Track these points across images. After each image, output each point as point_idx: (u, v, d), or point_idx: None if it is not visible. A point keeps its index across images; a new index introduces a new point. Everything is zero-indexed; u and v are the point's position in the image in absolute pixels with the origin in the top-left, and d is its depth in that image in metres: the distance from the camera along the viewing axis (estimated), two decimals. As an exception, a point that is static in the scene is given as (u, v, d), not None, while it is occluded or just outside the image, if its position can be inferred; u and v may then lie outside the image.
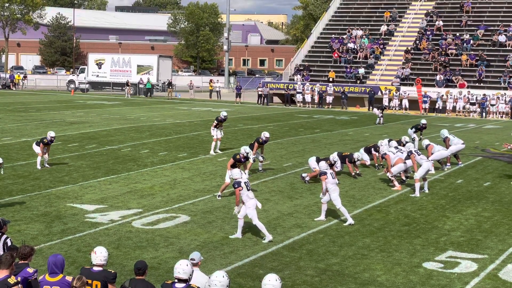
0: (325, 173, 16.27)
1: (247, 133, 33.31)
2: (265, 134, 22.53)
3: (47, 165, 22.39)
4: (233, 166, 18.63)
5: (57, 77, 77.43)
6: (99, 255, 8.96)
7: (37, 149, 22.33)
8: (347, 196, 19.11)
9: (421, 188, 19.86)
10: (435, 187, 20.81)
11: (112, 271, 8.91)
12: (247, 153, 19.46)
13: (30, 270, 8.69)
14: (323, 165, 17.03)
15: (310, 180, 20.88)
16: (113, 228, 15.06)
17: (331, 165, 20.63)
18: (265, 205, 17.73)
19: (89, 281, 8.71)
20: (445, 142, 24.66)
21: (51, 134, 22.61)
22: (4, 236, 10.26)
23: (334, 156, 21.16)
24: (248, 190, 14.61)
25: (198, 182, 20.70)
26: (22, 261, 8.93)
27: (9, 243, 10.07)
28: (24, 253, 8.98)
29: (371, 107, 51.17)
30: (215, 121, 26.44)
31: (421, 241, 14.72)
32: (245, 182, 14.71)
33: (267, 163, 23.75)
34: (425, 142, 23.44)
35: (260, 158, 22.54)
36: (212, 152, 26.12)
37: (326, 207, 16.48)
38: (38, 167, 22.08)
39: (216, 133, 26.28)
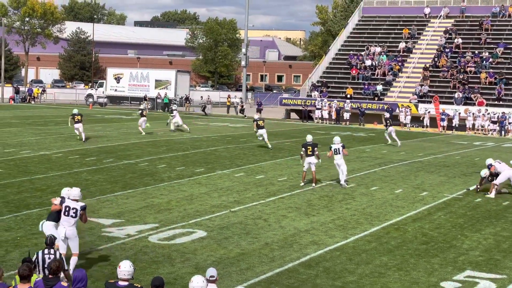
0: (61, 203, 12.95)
1: (264, 149, 33.27)
2: (307, 138, 23.82)
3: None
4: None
5: (75, 91, 77.97)
6: (123, 269, 8.93)
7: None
8: (364, 214, 19.02)
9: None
10: (453, 206, 20.65)
11: (139, 286, 8.85)
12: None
13: (64, 283, 8.72)
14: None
15: None
16: (129, 243, 15.05)
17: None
18: (281, 221, 17.68)
19: None
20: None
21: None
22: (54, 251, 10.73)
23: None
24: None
25: (215, 197, 20.67)
26: (53, 276, 8.96)
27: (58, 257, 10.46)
28: (54, 268, 9.01)
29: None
30: None
31: (439, 260, 14.58)
32: None
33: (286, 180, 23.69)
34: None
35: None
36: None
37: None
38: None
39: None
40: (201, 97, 66.53)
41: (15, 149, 30.15)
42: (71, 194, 12.95)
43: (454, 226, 17.90)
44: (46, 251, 10.67)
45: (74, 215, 12.70)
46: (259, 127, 33.50)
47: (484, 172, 22.89)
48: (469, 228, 17.81)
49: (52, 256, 10.53)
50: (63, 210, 12.73)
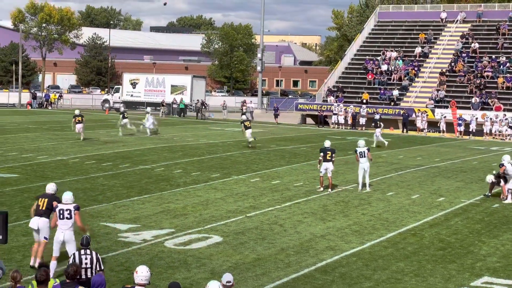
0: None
1: (279, 154, 33.25)
2: (325, 143, 23.81)
3: None
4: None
5: (92, 97, 78.33)
6: (140, 274, 8.96)
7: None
8: (380, 219, 18.93)
9: None
10: (470, 211, 20.52)
11: None
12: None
13: None
14: None
15: None
16: (145, 248, 15.07)
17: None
18: (297, 227, 17.65)
19: None
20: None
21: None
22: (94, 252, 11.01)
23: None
24: None
25: (230, 202, 20.67)
26: (70, 280, 9.01)
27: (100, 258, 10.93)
28: (71, 273, 9.05)
29: (405, 129, 50.90)
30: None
31: (456, 266, 14.48)
32: None
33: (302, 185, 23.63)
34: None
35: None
36: None
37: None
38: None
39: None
40: (197, 100, 65.36)
41: (32, 154, 30.33)
42: (64, 199, 13.05)
43: (471, 232, 17.78)
44: (82, 251, 10.78)
45: (68, 216, 12.79)
46: (246, 127, 35.25)
47: (489, 178, 22.85)
48: (486, 234, 17.68)
49: (88, 257, 10.65)
50: (57, 215, 12.83)
